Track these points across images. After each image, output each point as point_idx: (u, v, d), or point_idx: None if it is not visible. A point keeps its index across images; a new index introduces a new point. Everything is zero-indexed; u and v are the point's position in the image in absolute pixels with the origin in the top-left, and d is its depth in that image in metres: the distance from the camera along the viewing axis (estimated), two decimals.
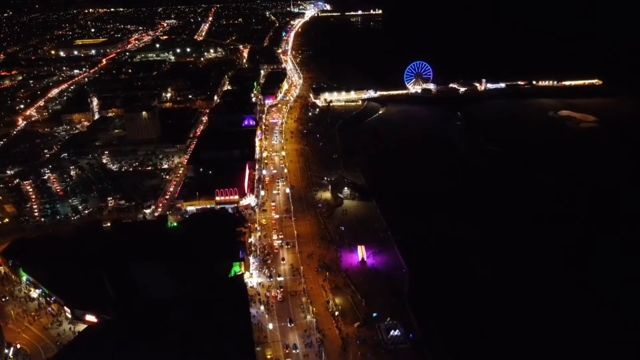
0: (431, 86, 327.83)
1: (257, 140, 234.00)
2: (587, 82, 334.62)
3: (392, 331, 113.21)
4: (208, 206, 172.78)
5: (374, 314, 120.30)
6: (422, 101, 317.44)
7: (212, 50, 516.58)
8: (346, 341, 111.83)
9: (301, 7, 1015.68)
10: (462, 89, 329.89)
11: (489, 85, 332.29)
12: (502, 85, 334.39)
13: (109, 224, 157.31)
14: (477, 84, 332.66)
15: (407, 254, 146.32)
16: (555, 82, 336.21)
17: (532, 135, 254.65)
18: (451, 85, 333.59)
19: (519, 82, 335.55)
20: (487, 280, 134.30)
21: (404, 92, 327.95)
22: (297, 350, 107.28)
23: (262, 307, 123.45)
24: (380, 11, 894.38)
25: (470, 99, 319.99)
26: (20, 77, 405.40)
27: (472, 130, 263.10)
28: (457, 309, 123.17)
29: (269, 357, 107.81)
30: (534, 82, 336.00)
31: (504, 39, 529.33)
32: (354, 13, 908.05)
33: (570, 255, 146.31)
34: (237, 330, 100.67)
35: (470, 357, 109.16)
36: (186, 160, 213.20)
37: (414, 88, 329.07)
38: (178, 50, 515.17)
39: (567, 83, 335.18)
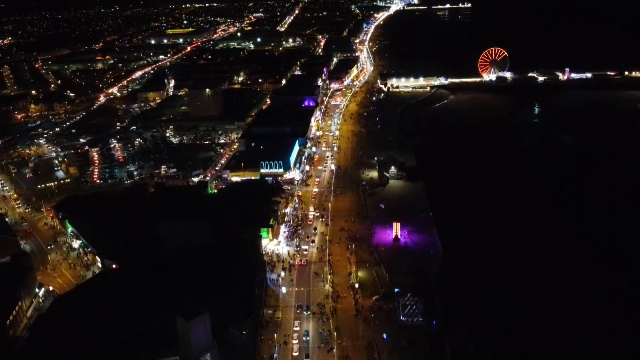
0: (507, 74, 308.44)
1: (313, 120, 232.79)
2: None
3: (411, 307, 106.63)
4: (253, 177, 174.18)
5: (396, 289, 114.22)
6: (496, 89, 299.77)
7: (290, 40, 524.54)
8: (360, 312, 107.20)
9: (387, 1, 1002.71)
10: (542, 78, 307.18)
11: (573, 75, 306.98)
12: (589, 75, 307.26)
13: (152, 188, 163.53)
14: (559, 73, 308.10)
15: (445, 237, 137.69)
16: None
17: (613, 127, 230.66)
18: (530, 74, 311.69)
19: (608, 73, 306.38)
20: (526, 273, 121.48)
21: (477, 80, 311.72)
22: (309, 338, 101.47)
23: (282, 273, 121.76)
24: (469, 4, 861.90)
25: (550, 89, 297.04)
26: (112, 62, 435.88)
27: (546, 120, 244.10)
28: (487, 298, 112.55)
29: (278, 317, 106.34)
30: (626, 73, 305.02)
31: (593, 30, 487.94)
32: (440, 7, 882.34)
33: (624, 255, 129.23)
34: (239, 285, 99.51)
35: (491, 348, 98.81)
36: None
37: (488, 76, 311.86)
38: (258, 40, 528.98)
39: None
